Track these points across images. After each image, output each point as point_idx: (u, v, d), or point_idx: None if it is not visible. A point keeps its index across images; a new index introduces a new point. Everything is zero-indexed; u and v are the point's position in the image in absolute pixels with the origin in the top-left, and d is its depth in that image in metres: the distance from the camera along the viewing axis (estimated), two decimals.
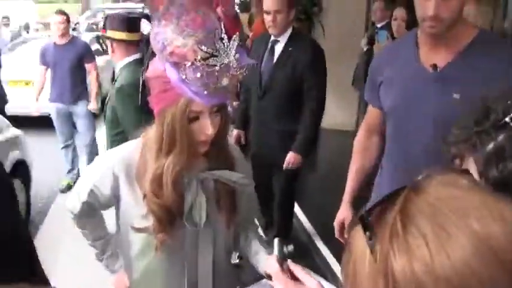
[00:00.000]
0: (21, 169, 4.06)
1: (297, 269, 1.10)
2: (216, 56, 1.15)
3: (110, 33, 2.72)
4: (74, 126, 5.16)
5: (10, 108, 5.75)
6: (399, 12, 3.85)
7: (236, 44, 1.17)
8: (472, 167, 0.89)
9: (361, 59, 5.03)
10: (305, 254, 3.70)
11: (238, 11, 10.69)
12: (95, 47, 7.60)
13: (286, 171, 3.23)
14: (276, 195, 3.45)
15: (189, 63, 1.14)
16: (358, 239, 0.60)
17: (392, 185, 1.94)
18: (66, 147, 5.14)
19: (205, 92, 1.17)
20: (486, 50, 1.62)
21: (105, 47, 8.54)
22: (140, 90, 2.40)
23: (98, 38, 8.79)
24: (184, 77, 1.16)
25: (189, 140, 1.26)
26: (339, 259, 3.16)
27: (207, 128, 1.25)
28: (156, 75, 1.25)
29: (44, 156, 5.37)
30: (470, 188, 0.59)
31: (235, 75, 1.19)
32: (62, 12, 5.00)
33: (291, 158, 3.14)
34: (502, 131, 0.86)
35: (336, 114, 6.18)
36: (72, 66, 4.99)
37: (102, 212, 1.59)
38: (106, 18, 2.87)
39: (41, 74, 5.16)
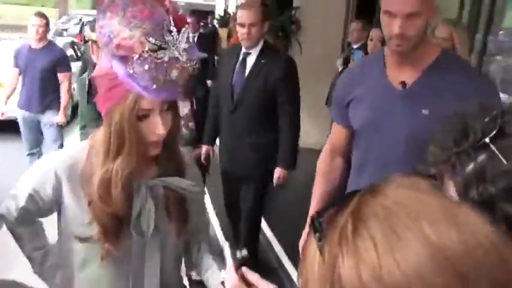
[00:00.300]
0: None
1: (253, 276, 1.02)
2: (165, 49, 1.11)
3: (94, 35, 2.77)
4: (41, 133, 4.98)
5: None
6: (375, 33, 3.89)
7: (186, 36, 1.14)
8: (451, 189, 0.86)
9: (335, 79, 5.05)
10: (272, 273, 3.64)
11: (217, 26, 10.76)
12: (69, 52, 7.44)
13: (256, 186, 3.24)
14: (244, 210, 3.40)
15: (137, 56, 1.09)
16: (311, 242, 0.58)
17: None
18: (31, 154, 4.95)
19: (154, 86, 1.12)
20: (451, 68, 1.68)
21: (79, 53, 8.43)
22: (87, 91, 2.63)
23: (72, 44, 8.64)
24: (131, 71, 1.11)
25: (138, 140, 1.20)
26: None
27: (157, 127, 1.19)
28: (102, 73, 1.18)
29: (7, 161, 5.19)
30: (430, 192, 0.55)
31: (185, 67, 1.15)
32: (42, 15, 4.78)
33: (279, 173, 3.14)
34: (481, 152, 0.84)
35: (309, 132, 6.16)
36: (44, 72, 4.77)
37: (41, 219, 1.47)
38: (89, 22, 3.03)
39: (13, 77, 4.95)
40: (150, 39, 1.09)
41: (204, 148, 3.42)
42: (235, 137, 3.22)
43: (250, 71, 3.10)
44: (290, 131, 3.14)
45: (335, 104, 1.96)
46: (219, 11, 15.50)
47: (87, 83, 2.65)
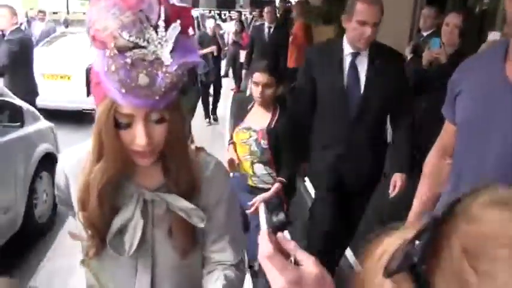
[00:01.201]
0: (50, 162, 3.96)
1: (289, 244, 0.81)
2: (143, 47, 0.93)
3: None
4: None
5: (41, 101, 5.75)
6: (452, 19, 3.60)
7: (175, 35, 0.94)
8: None
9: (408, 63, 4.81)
10: None
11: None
12: None
13: (367, 201, 2.92)
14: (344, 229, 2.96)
15: (107, 53, 0.93)
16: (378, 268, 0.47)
17: None
18: None
19: (123, 91, 0.95)
20: None
21: None
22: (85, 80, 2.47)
23: None
24: (106, 68, 0.94)
25: (117, 147, 1.05)
26: None
27: (137, 137, 1.02)
28: (92, 66, 1.05)
29: None
30: None
31: (169, 73, 0.95)
32: None
33: (397, 181, 2.71)
34: None
35: None
36: None
37: None
38: None
39: None
40: (124, 33, 0.91)
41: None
42: (354, 149, 2.71)
43: (368, 75, 2.63)
44: (409, 134, 2.75)
45: (446, 99, 1.77)
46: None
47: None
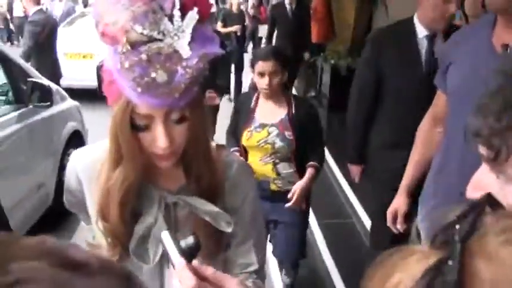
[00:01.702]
0: (77, 139, 4.11)
1: (208, 270, 0.79)
2: (160, 40, 0.83)
3: None
4: None
5: (65, 81, 5.86)
6: None
7: (193, 24, 0.84)
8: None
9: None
10: None
11: None
12: None
13: None
14: None
15: (120, 49, 0.83)
16: None
17: (440, 181, 1.66)
18: None
19: (139, 90, 0.86)
20: None
21: None
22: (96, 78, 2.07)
23: None
24: (119, 66, 0.85)
25: (136, 151, 0.96)
26: None
27: (158, 138, 0.93)
28: (103, 63, 0.95)
29: (97, 127, 5.41)
30: None
31: (188, 67, 0.85)
32: None
33: None
34: None
35: None
36: None
37: None
38: None
39: None
40: (136, 26, 0.82)
41: (354, 168, 2.69)
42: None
43: None
44: None
45: (438, 70, 1.83)
46: None
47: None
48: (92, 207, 1.08)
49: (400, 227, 2.00)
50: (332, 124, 6.46)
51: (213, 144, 1.11)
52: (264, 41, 13.75)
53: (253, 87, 2.54)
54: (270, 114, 2.43)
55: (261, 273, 1.19)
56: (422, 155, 1.95)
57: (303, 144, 2.39)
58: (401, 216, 1.99)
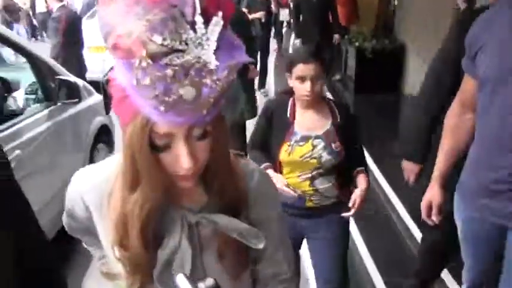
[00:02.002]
0: (105, 134, 4.15)
1: None
2: (182, 51, 0.73)
3: None
4: None
5: (89, 74, 5.89)
6: None
7: (219, 30, 0.74)
8: None
9: (454, 18, 4.63)
10: None
11: None
12: None
13: None
14: None
15: (137, 62, 0.73)
16: None
17: (480, 166, 1.62)
18: None
19: (162, 108, 0.76)
20: None
21: None
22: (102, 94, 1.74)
23: None
24: (135, 82, 0.75)
25: (156, 174, 0.87)
26: None
27: (180, 159, 0.84)
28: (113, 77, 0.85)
29: None
30: None
31: (219, 81, 0.76)
32: None
33: None
34: None
35: (417, 80, 5.88)
36: None
37: None
38: None
39: None
40: (155, 37, 0.71)
41: (411, 166, 2.38)
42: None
43: None
44: None
45: (466, 54, 1.76)
46: None
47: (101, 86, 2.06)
48: (104, 235, 1.00)
49: (435, 218, 1.96)
50: (359, 107, 6.38)
51: (231, 153, 1.01)
52: (285, 24, 13.70)
53: (286, 93, 2.21)
54: (312, 124, 2.12)
55: (293, 282, 1.16)
56: (453, 145, 1.89)
57: (347, 154, 2.14)
58: (436, 207, 1.94)
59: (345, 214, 2.12)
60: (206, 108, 0.78)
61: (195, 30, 0.73)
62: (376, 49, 7.07)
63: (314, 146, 2.09)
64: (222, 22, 0.74)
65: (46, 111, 3.26)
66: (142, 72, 0.73)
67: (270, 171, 2.09)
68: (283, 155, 2.11)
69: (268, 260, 1.10)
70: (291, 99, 2.16)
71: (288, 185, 2.09)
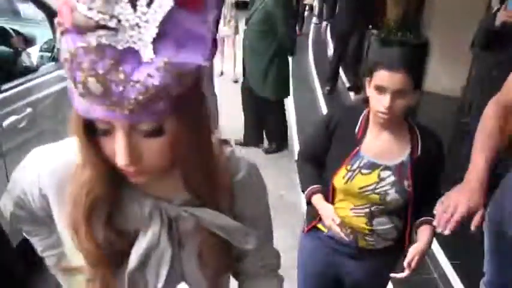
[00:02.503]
0: None
1: None
2: (112, 29, 0.58)
3: None
4: None
5: None
6: None
7: (164, 12, 0.58)
8: None
9: (486, 18, 4.49)
10: None
11: None
12: None
13: None
14: None
15: (59, 34, 0.62)
16: None
17: None
18: None
19: (78, 92, 0.63)
20: None
21: None
22: None
23: None
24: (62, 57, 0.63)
25: (96, 160, 0.76)
26: None
27: (117, 153, 0.70)
28: None
29: None
30: None
31: (140, 83, 0.60)
32: None
33: None
34: None
35: (440, 77, 5.81)
36: None
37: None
38: None
39: None
40: (79, 5, 0.58)
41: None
42: None
43: None
44: None
45: None
46: None
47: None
48: (62, 216, 0.87)
49: (473, 228, 1.76)
50: None
51: (214, 138, 0.85)
52: (307, 8, 13.48)
53: (362, 102, 1.74)
54: (384, 150, 1.67)
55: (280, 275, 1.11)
56: (493, 153, 1.69)
57: (419, 194, 1.68)
58: (480, 216, 1.58)
59: (396, 275, 1.64)
60: (128, 108, 0.62)
61: (134, 7, 0.58)
62: (402, 42, 6.93)
63: (381, 179, 1.65)
64: (171, 3, 0.58)
65: (61, 71, 3.18)
66: (64, 43, 0.60)
67: (319, 199, 1.74)
68: (338, 181, 1.69)
69: (255, 255, 1.03)
70: (365, 111, 1.70)
71: (342, 223, 1.68)
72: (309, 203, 1.80)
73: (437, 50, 6.70)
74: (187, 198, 0.85)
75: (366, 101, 1.68)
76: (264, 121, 4.97)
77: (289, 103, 6.18)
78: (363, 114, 1.70)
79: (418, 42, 6.20)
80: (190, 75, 0.64)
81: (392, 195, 1.64)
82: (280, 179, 4.28)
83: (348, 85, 7.48)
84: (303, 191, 1.81)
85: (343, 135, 1.70)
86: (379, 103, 1.57)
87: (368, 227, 1.71)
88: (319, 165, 1.79)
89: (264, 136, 5.10)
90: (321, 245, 1.87)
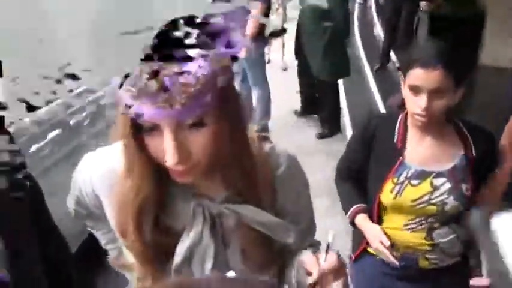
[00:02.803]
0: None
1: None
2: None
3: None
4: None
5: None
6: None
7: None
8: None
9: None
10: None
11: None
12: None
13: None
14: None
15: None
16: None
17: None
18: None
19: (130, 94, 0.68)
20: None
21: None
22: None
23: None
24: None
25: (143, 161, 0.79)
26: None
27: (166, 152, 0.73)
28: None
29: None
30: None
31: (189, 81, 0.65)
32: None
33: None
34: None
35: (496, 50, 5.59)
36: None
37: None
38: None
39: None
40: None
41: None
42: None
43: None
44: None
45: None
46: None
47: None
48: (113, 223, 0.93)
49: None
50: None
51: (253, 134, 0.89)
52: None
53: (399, 105, 1.58)
54: (430, 155, 1.52)
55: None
56: None
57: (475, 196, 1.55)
58: None
59: (476, 283, 1.50)
60: (180, 103, 0.66)
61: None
62: (451, 17, 6.65)
63: (435, 188, 1.49)
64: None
65: None
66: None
67: (363, 220, 1.59)
68: (386, 196, 1.53)
69: (296, 250, 1.02)
70: (401, 116, 1.55)
71: (392, 246, 1.53)
72: (352, 224, 1.65)
73: (495, 23, 6.40)
74: (229, 195, 0.88)
75: (400, 107, 1.56)
76: (318, 105, 5.03)
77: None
78: (398, 120, 1.55)
79: (471, 14, 5.95)
80: (230, 69, 0.70)
81: (451, 203, 1.49)
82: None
83: (397, 65, 7.29)
84: (345, 211, 1.66)
85: (382, 146, 1.55)
86: (415, 104, 1.42)
87: (428, 242, 1.53)
88: (359, 183, 1.65)
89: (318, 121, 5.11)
90: (375, 273, 1.65)
